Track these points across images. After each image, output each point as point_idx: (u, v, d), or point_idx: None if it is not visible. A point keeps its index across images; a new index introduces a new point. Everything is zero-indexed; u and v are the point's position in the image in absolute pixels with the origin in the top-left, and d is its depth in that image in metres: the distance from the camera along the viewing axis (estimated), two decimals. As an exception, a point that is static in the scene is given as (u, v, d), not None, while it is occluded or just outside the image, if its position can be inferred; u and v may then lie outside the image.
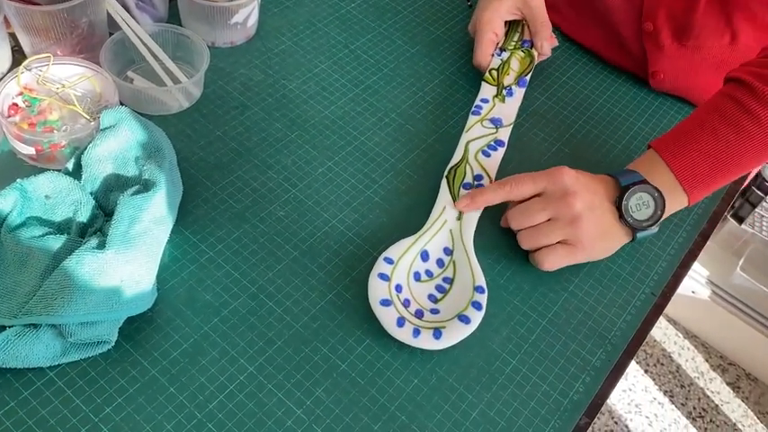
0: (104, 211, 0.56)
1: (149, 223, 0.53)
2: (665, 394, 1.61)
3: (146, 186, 0.55)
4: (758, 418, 1.60)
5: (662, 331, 1.72)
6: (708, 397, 1.62)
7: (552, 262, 0.59)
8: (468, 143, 0.67)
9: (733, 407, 1.61)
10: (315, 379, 0.53)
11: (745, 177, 0.77)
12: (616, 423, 1.54)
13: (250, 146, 0.67)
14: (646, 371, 1.65)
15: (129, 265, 0.51)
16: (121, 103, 0.66)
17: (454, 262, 0.59)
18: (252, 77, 0.73)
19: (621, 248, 0.64)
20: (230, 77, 0.72)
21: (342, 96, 0.73)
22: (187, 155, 0.65)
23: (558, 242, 0.59)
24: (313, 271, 0.59)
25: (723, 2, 0.71)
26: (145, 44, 0.69)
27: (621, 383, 1.60)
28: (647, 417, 1.56)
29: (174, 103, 0.68)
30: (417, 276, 0.58)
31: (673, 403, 1.60)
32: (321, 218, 0.62)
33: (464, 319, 0.55)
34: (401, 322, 0.54)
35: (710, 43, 0.74)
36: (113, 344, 0.51)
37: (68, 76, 0.64)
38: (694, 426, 1.57)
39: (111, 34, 0.68)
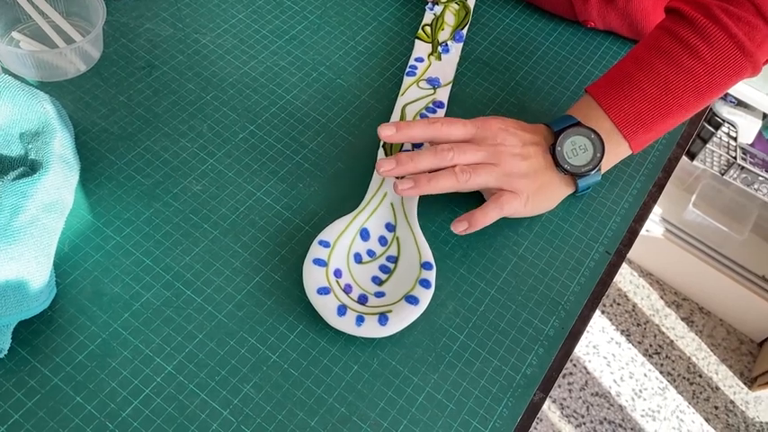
0: (-14, 199, 0.49)
1: (37, 211, 0.46)
2: (621, 333, 1.62)
3: (32, 168, 0.48)
4: (711, 350, 1.63)
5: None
6: (663, 333, 1.64)
7: (483, 181, 0.53)
8: (404, 107, 0.61)
9: (687, 341, 1.64)
10: (242, 374, 0.47)
11: (700, 119, 0.73)
12: (575, 366, 1.54)
13: (159, 111, 0.59)
14: (602, 311, 1.65)
15: (14, 263, 0.44)
16: (5, 71, 0.58)
17: (398, 238, 0.54)
18: (159, 33, 0.65)
19: (573, 206, 0.60)
20: (134, 34, 0.64)
21: (263, 50, 0.66)
22: (87, 126, 0.57)
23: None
24: (236, 252, 0.53)
25: None
26: (29, 0, 0.60)
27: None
28: (604, 357, 1.57)
29: (69, 67, 0.60)
30: (358, 258, 0.53)
31: (629, 342, 1.61)
32: (244, 190, 0.56)
33: (412, 299, 0.50)
34: (342, 311, 0.49)
35: None
36: (6, 352, 0.44)
37: (-63, 41, 0.55)
38: (651, 362, 1.58)
39: (-12, -11, 0.59)
